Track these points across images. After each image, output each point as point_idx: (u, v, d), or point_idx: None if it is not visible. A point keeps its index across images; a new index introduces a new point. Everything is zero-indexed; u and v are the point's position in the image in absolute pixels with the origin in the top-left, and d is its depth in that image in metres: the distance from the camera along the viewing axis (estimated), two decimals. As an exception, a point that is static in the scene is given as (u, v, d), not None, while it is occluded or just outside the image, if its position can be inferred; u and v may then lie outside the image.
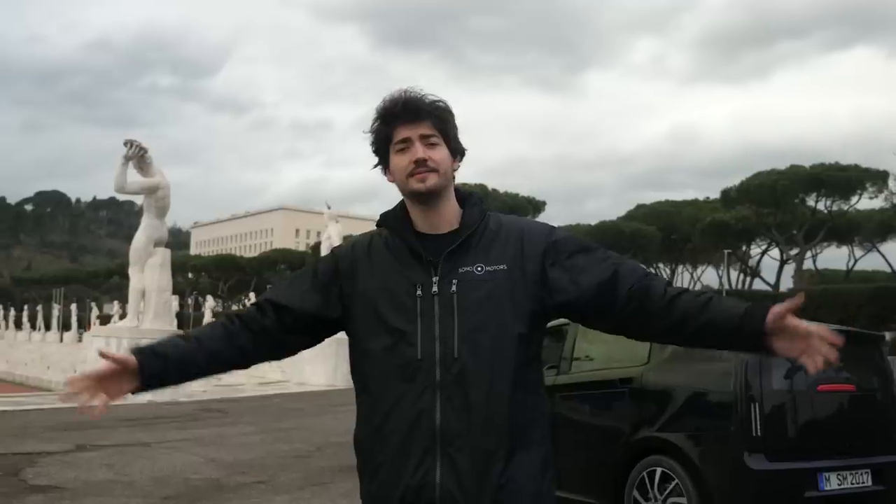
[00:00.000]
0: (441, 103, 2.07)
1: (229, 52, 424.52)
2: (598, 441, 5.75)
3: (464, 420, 1.93)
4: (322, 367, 22.26)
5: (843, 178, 48.75)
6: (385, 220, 2.13)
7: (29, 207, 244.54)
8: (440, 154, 2.02)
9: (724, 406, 5.12)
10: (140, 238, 16.15)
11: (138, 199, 16.42)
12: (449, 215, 2.08)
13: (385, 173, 2.11)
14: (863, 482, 5.24)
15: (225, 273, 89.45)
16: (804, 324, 1.85)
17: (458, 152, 2.10)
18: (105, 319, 48.83)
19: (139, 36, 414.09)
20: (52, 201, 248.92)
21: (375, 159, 2.12)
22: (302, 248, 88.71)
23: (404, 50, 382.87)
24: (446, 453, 1.92)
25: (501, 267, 2.00)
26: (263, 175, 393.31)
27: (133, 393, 2.02)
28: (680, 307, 1.95)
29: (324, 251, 23.99)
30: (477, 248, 2.02)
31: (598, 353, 6.30)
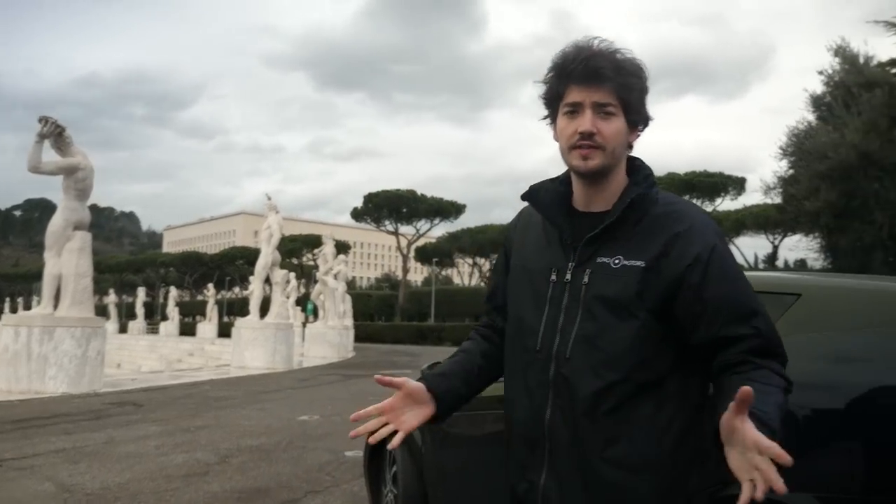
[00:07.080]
0: (630, 64, 1.30)
1: (201, 90, 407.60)
2: None
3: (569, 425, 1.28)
4: (261, 350, 18.78)
5: (710, 183, 48.01)
6: (533, 192, 1.44)
7: (18, 213, 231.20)
8: (612, 127, 1.30)
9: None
10: (57, 221, 12.38)
11: (58, 181, 12.66)
12: (611, 193, 1.34)
13: (553, 129, 1.37)
14: None
15: (190, 268, 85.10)
16: (752, 432, 1.04)
17: (639, 122, 1.35)
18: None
19: (122, 73, 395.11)
20: (39, 207, 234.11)
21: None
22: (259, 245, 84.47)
23: (342, 90, 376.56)
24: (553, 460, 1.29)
25: (639, 264, 1.27)
26: (230, 189, 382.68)
27: (433, 421, 1.41)
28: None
29: (263, 241, 20.42)
30: (621, 237, 1.30)
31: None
